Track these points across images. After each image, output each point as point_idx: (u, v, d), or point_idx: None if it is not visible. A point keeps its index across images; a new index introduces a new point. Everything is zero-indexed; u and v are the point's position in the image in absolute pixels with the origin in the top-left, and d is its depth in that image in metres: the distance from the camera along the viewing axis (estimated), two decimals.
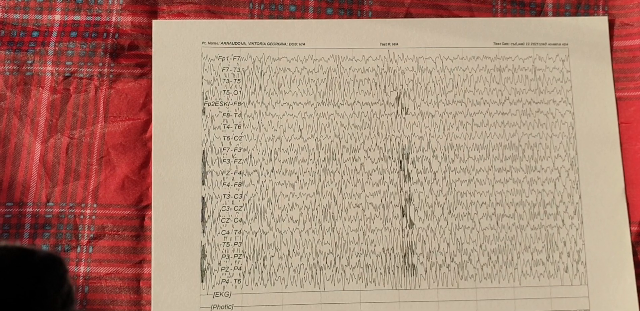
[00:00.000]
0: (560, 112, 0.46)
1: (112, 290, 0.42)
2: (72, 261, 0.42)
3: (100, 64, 0.45)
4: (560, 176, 0.45)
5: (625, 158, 0.45)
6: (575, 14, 0.47)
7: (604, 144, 0.45)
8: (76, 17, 0.45)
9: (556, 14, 0.47)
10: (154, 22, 0.45)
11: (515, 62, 0.46)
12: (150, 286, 0.42)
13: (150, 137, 0.44)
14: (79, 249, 0.42)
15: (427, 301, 0.43)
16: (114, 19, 0.45)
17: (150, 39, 0.45)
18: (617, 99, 0.46)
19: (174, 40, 0.45)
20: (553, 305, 0.43)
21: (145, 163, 0.44)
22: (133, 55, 0.45)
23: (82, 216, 0.43)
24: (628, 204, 0.44)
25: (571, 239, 0.44)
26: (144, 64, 0.45)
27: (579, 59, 0.46)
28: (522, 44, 0.46)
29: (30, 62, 0.44)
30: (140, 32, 0.45)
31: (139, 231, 0.43)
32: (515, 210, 0.44)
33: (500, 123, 0.45)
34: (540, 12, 0.47)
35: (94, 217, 0.43)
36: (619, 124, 0.45)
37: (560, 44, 0.46)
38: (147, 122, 0.44)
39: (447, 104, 0.45)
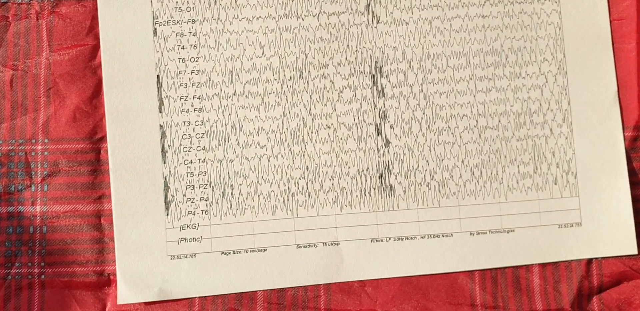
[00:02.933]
0: (546, 12, 0.41)
1: (72, 228, 0.40)
2: (27, 201, 0.40)
3: None
4: (547, 81, 0.41)
5: (618, 58, 0.41)
6: None
7: (594, 44, 0.41)
8: None
9: None
10: None
11: None
12: (112, 223, 0.39)
13: (100, 63, 0.40)
14: (33, 188, 0.40)
15: (407, 222, 0.40)
16: None
17: None
18: None
19: None
20: (542, 219, 0.40)
21: (97, 91, 0.40)
22: None
23: (33, 153, 0.40)
24: (621, 108, 0.41)
25: (560, 149, 0.41)
26: None
27: None
28: None
29: None
30: None
31: (96, 165, 0.40)
32: (500, 121, 0.41)
33: (481, 27, 0.41)
34: None
35: (46, 153, 0.40)
36: (610, 22, 0.42)
37: None
38: (96, 48, 0.41)
39: (422, 10, 0.41)
